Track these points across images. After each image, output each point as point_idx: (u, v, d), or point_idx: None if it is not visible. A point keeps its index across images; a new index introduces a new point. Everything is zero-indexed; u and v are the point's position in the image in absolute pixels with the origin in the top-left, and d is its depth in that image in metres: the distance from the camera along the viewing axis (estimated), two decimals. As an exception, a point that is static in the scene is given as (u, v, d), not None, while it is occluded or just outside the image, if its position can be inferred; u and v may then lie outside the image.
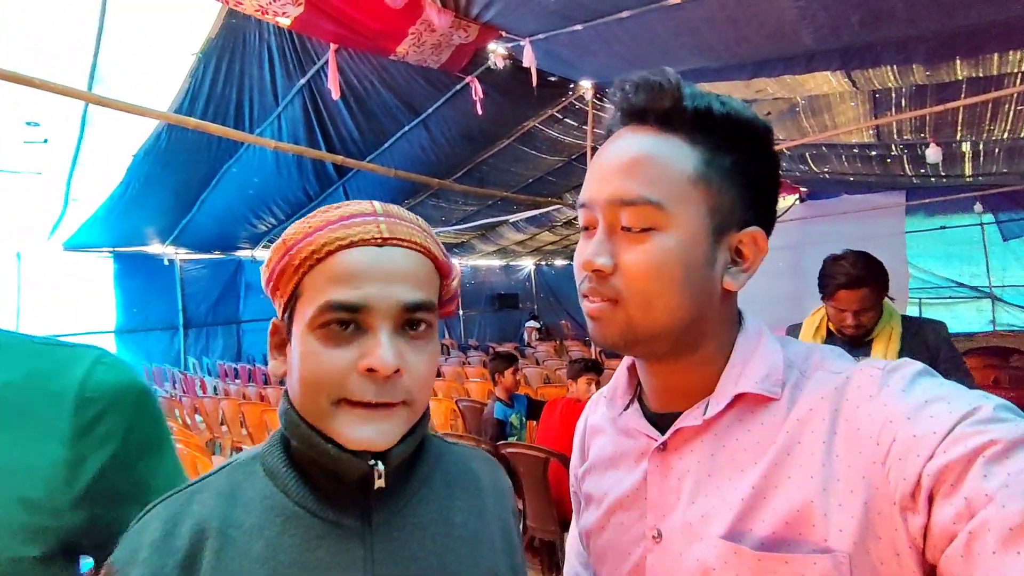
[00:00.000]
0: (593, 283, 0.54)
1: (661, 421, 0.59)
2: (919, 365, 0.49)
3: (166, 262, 8.24)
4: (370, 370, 0.49)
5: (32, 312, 6.85)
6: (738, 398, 0.54)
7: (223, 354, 8.87)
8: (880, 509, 0.44)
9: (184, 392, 6.33)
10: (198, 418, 5.12)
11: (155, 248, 7.97)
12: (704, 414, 0.54)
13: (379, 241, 0.53)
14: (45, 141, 4.65)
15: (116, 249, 7.66)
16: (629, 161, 0.53)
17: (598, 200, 0.54)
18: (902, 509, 0.43)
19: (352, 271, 0.51)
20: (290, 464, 0.54)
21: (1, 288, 6.64)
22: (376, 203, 0.56)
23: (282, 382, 0.57)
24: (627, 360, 0.66)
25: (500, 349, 9.05)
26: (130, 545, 0.50)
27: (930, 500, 0.41)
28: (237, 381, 6.82)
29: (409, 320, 0.53)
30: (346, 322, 0.50)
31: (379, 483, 0.52)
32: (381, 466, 0.52)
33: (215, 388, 6.45)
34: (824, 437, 0.48)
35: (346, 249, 0.52)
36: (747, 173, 0.54)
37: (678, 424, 0.56)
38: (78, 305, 7.42)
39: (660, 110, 0.53)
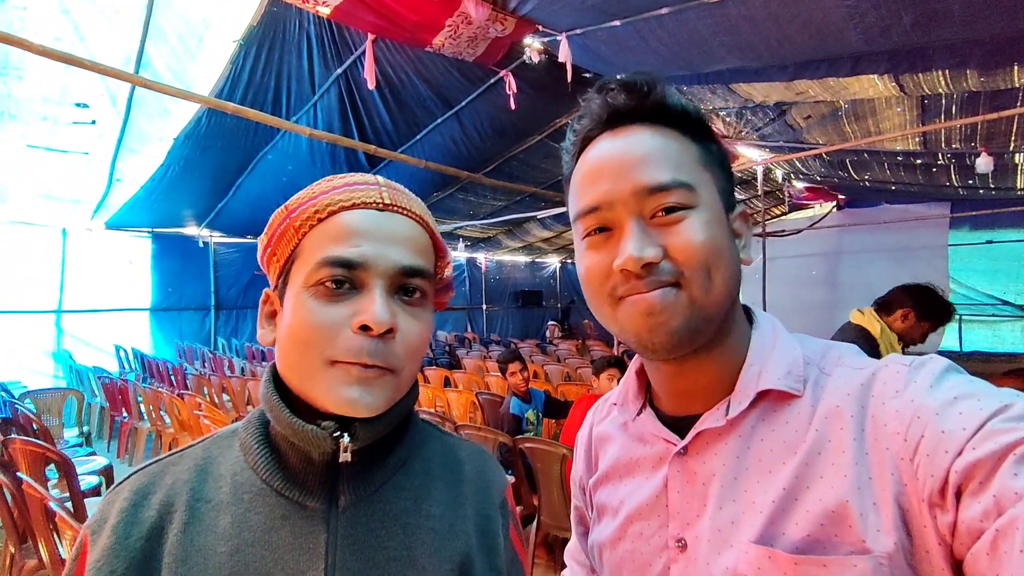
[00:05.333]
0: (644, 280, 0.50)
1: (678, 425, 0.57)
2: (946, 361, 0.47)
3: (201, 244, 8.46)
4: (363, 327, 0.49)
5: (75, 287, 7.15)
6: (761, 396, 0.52)
7: (251, 336, 9.09)
8: (909, 506, 0.43)
9: (213, 371, 6.52)
10: (225, 397, 5.27)
11: (191, 230, 8.20)
12: (727, 414, 0.52)
13: (380, 206, 0.54)
14: (93, 122, 4.83)
15: (154, 230, 7.91)
16: (645, 152, 0.52)
17: (620, 195, 0.51)
18: (931, 506, 0.41)
19: (352, 230, 0.52)
20: (264, 441, 0.54)
21: (48, 262, 6.94)
22: (379, 176, 0.57)
23: None
24: (635, 363, 0.64)
25: (521, 345, 9.06)
26: (102, 512, 0.50)
27: (958, 497, 0.40)
28: (264, 363, 6.99)
29: (404, 285, 0.53)
30: (341, 281, 0.50)
31: (345, 457, 0.50)
32: (347, 439, 0.50)
33: (242, 369, 6.62)
34: (854, 434, 0.47)
35: (348, 210, 0.53)
36: (724, 161, 0.57)
37: (699, 426, 0.54)
38: (117, 282, 7.69)
39: (652, 107, 0.54)
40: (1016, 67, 3.24)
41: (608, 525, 0.61)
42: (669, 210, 0.51)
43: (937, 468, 0.41)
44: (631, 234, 0.50)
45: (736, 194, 0.59)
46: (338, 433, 0.50)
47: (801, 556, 0.45)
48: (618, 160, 0.53)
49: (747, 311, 0.59)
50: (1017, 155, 5.14)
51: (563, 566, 0.78)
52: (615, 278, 0.51)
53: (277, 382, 0.54)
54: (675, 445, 0.55)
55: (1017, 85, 3.48)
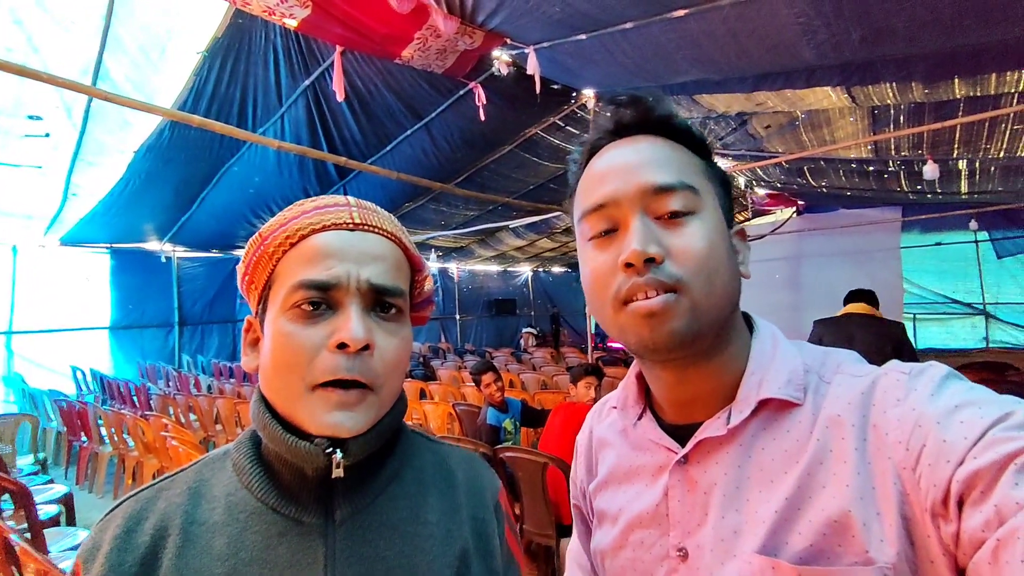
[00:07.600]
0: (644, 276, 0.49)
1: (678, 433, 0.56)
2: (946, 368, 0.48)
3: (163, 259, 8.19)
4: (341, 345, 0.49)
5: (27, 307, 6.81)
6: (762, 405, 0.52)
7: (218, 353, 8.83)
8: (912, 516, 0.43)
9: (178, 390, 6.30)
10: (192, 416, 5.10)
11: (153, 245, 7.93)
12: (727, 423, 0.52)
13: (351, 226, 0.54)
14: (47, 135, 4.65)
15: (113, 245, 7.63)
16: (652, 156, 0.54)
17: (626, 193, 0.52)
18: (933, 516, 0.41)
19: (324, 251, 0.52)
20: (257, 460, 0.54)
21: (-3, 281, 6.62)
22: (350, 197, 0.58)
23: None
24: (635, 367, 0.63)
25: (496, 354, 9.05)
26: (94, 540, 0.50)
27: (960, 507, 0.40)
28: (232, 380, 6.79)
29: (380, 303, 0.54)
30: (317, 302, 0.51)
31: (337, 472, 0.51)
32: (340, 455, 0.51)
33: (209, 387, 6.42)
34: (856, 444, 0.47)
35: (319, 232, 0.53)
36: (725, 180, 0.58)
37: (700, 434, 0.53)
38: (73, 301, 7.36)
39: (658, 120, 0.56)
40: (956, 80, 3.45)
41: (608, 532, 0.61)
42: (674, 215, 0.52)
43: (939, 478, 0.41)
44: (636, 229, 0.51)
45: None
46: (330, 449, 0.51)
47: (805, 567, 0.45)
48: (625, 162, 0.54)
49: (747, 319, 0.59)
50: (960, 162, 5.45)
51: (547, 574, 0.78)
52: (619, 277, 0.51)
53: (266, 402, 0.55)
54: (675, 453, 0.55)
55: (958, 96, 3.71)
